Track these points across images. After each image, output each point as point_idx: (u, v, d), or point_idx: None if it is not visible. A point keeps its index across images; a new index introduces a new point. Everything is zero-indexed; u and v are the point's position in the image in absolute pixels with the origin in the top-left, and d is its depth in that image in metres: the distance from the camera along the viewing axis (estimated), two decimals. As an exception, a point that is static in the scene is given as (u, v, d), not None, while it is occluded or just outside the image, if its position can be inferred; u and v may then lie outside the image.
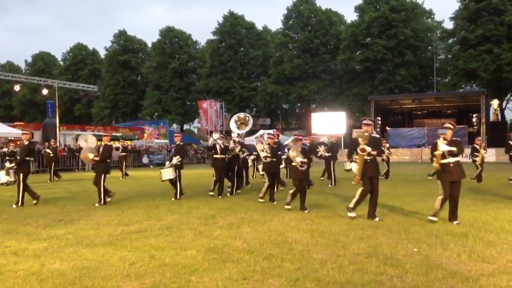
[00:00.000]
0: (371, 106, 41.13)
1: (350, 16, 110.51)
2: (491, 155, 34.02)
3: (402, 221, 7.85)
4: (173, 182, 11.76)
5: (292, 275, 4.78)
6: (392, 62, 48.45)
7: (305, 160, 9.32)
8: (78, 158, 27.43)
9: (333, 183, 15.36)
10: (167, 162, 12.18)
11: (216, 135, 12.61)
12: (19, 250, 6.09)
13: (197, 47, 66.50)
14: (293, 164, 9.37)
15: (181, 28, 64.41)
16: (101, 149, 11.24)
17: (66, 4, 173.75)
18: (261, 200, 10.88)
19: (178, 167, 11.70)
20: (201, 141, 46.03)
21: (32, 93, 63.72)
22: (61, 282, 4.69)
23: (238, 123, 14.01)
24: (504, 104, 48.53)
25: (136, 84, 67.84)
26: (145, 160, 33.80)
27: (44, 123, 37.81)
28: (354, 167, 8.12)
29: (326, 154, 15.96)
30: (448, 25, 50.28)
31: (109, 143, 11.64)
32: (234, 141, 13.41)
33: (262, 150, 11.20)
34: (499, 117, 46.64)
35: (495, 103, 44.05)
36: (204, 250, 5.90)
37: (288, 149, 9.60)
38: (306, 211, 9.11)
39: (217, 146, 12.19)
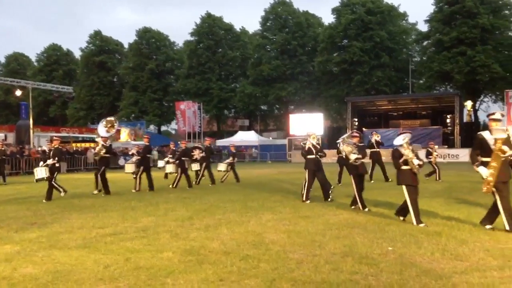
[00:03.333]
0: (348, 107, 41.55)
1: (327, 18, 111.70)
2: (464, 155, 34.68)
3: (377, 221, 7.94)
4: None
5: (268, 276, 4.78)
6: (368, 64, 49.05)
7: (360, 156, 9.44)
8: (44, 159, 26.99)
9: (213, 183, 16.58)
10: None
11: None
12: (-11, 255, 5.94)
13: (175, 48, 66.13)
14: (351, 161, 9.50)
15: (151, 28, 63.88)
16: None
17: (32, 5, 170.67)
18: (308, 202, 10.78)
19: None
20: (179, 142, 45.70)
21: (6, 94, 62.41)
22: (33, 286, 4.60)
23: (107, 126, 14.42)
24: (477, 105, 49.61)
25: (112, 85, 67.05)
26: (121, 162, 33.35)
27: (17, 125, 37.09)
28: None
29: (200, 156, 17.07)
30: (423, 27, 51.25)
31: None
32: (103, 145, 13.77)
33: (352, 152, 9.78)
34: (473, 118, 47.66)
35: (468, 104, 45.00)
36: (180, 252, 5.86)
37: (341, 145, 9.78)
38: (366, 209, 9.17)
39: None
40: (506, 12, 46.29)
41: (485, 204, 9.86)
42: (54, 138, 13.42)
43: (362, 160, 9.71)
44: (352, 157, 9.56)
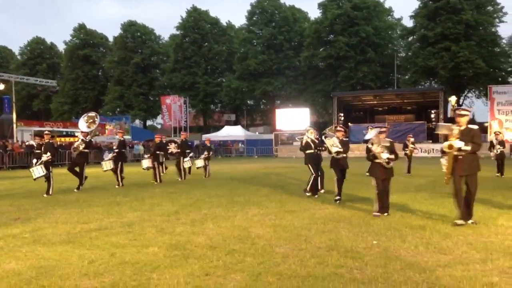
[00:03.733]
0: (334, 102, 41.73)
1: (314, 13, 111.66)
2: (448, 150, 35.11)
3: (362, 215, 8.01)
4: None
5: (254, 270, 4.79)
6: (354, 59, 49.28)
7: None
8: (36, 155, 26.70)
9: (182, 178, 16.56)
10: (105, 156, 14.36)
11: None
12: (-29, 251, 5.85)
13: (160, 41, 65.64)
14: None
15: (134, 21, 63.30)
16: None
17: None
18: (308, 194, 10.74)
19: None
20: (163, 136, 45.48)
21: (-12, 88, 61.30)
22: (17, 282, 4.54)
23: (88, 121, 14.43)
24: (461, 100, 50.17)
25: (97, 79, 66.36)
26: (106, 156, 33.08)
27: (0, 119, 36.49)
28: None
29: (175, 151, 17.10)
30: (408, 23, 51.61)
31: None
32: (83, 140, 13.71)
33: (333, 145, 9.84)
34: (456, 113, 48.18)
35: (452, 99, 45.17)
36: (166, 247, 5.84)
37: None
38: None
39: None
40: (490, 8, 46.86)
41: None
42: (46, 132, 13.27)
43: (344, 155, 9.77)
44: (333, 150, 9.56)
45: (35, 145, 13.56)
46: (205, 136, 29.95)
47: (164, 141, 17.32)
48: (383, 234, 6.42)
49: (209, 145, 19.19)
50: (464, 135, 7.01)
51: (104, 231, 6.95)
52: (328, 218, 7.80)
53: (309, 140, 10.87)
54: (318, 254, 5.36)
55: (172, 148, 17.25)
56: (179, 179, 16.46)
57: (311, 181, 10.77)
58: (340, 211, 8.50)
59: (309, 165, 10.87)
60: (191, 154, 17.58)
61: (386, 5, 54.51)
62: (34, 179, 12.39)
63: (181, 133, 20.15)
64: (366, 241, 6.00)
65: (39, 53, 69.99)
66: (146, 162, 16.20)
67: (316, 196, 10.64)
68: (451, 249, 5.54)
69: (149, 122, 68.49)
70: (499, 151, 16.29)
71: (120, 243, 6.10)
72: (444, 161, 7.34)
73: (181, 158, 16.80)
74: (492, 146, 16.82)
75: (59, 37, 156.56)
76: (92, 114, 15.03)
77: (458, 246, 5.65)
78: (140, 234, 6.68)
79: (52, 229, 7.20)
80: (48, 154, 12.24)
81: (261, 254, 5.41)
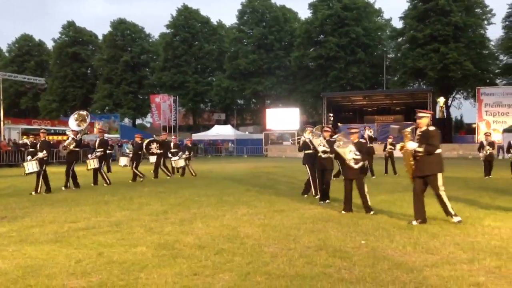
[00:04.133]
0: (324, 102, 41.86)
1: (304, 13, 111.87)
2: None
3: (351, 215, 8.04)
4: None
5: (243, 269, 4.78)
6: (344, 60, 49.46)
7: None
8: (23, 153, 26.44)
9: (155, 177, 16.73)
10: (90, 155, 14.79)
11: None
12: (-44, 250, 5.78)
13: (150, 40, 65.34)
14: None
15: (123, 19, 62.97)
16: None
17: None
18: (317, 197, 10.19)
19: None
20: (153, 135, 45.31)
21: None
22: (3, 281, 4.48)
23: (79, 120, 14.40)
24: (449, 101, 50.64)
25: (86, 77, 65.87)
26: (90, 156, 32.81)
27: (-13, 117, 36.01)
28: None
29: (158, 151, 16.94)
30: (398, 24, 51.95)
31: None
32: (73, 138, 13.66)
33: (320, 145, 9.72)
34: (445, 114, 48.60)
35: (441, 100, 45.87)
36: (154, 246, 5.81)
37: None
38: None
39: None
40: (478, 10, 47.35)
41: (455, 198, 10.10)
42: (41, 131, 13.39)
43: (330, 155, 9.66)
44: (320, 149, 9.50)
45: (28, 143, 13.57)
46: (192, 136, 29.87)
47: (146, 142, 17.32)
48: (372, 234, 6.45)
49: (190, 145, 19.03)
50: (423, 137, 7.16)
51: (91, 230, 6.90)
52: (317, 217, 7.83)
53: (307, 140, 10.69)
54: (307, 254, 5.37)
55: (154, 148, 17.15)
56: (168, 177, 16.58)
57: (312, 184, 10.52)
58: (329, 211, 8.53)
59: (307, 165, 10.68)
60: (180, 154, 17.68)
61: (376, 6, 54.90)
62: (26, 174, 12.40)
63: (163, 133, 20.03)
64: (354, 241, 6.02)
65: (27, 50, 69.34)
66: (124, 160, 16.36)
67: (328, 201, 9.64)
68: (438, 249, 5.58)
69: (138, 121, 68.19)
70: (488, 152, 16.15)
71: (108, 243, 6.06)
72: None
73: (162, 158, 16.95)
74: (481, 147, 16.80)
75: (48, 34, 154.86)
76: (83, 112, 14.95)
77: (445, 246, 5.69)
78: (128, 234, 6.64)
79: (39, 228, 7.12)
80: (44, 152, 12.29)
81: (250, 254, 5.41)
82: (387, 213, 8.13)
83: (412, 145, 7.12)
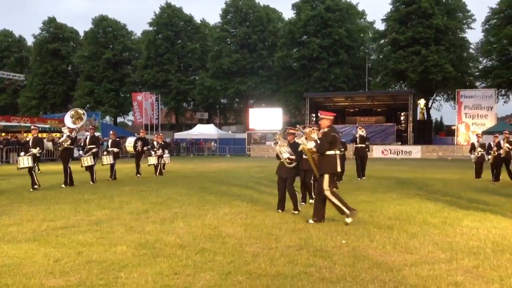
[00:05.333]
0: (307, 103, 42.01)
1: (288, 13, 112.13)
2: (416, 151, 35.92)
3: (332, 215, 8.07)
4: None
5: (224, 269, 4.77)
6: (327, 61, 49.69)
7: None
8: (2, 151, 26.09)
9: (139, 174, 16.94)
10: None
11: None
12: None
13: (132, 37, 64.72)
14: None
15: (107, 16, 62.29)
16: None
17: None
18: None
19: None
20: (135, 134, 44.93)
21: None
22: (-22, 281, 4.40)
23: (75, 117, 14.40)
24: (430, 103, 51.33)
25: (67, 74, 64.93)
26: (75, 153, 32.41)
27: (-36, 113, 35.28)
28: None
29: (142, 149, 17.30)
30: (380, 26, 52.43)
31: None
32: (69, 136, 13.75)
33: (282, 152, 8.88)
34: (425, 116, 49.28)
35: (422, 102, 46.51)
36: (134, 246, 5.76)
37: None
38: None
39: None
40: (459, 14, 48.06)
41: (435, 199, 10.26)
42: (33, 127, 13.48)
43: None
44: (284, 156, 8.50)
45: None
46: (174, 135, 29.64)
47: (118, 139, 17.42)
48: (352, 233, 6.50)
49: (161, 142, 18.58)
50: (322, 138, 7.56)
51: (71, 229, 6.81)
52: (299, 217, 7.86)
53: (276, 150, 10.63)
54: (288, 253, 5.39)
55: (139, 146, 17.17)
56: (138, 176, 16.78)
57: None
58: (311, 211, 8.53)
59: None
60: (156, 153, 17.63)
61: (359, 8, 55.27)
62: (18, 168, 12.60)
63: (141, 130, 19.84)
64: (335, 241, 6.06)
65: (6, 46, 68.01)
66: (108, 159, 16.30)
67: (311, 201, 9.50)
68: (417, 249, 5.66)
69: (120, 119, 67.46)
70: (479, 153, 15.89)
71: (87, 242, 5.99)
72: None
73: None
74: (473, 148, 16.44)
75: (28, 30, 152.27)
76: (80, 111, 15.00)
77: (425, 246, 5.77)
78: (108, 233, 6.57)
79: (17, 227, 7.00)
80: (38, 148, 12.48)
81: (231, 253, 5.40)
82: (368, 213, 8.20)
83: (310, 145, 7.58)
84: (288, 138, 9.23)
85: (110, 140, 16.18)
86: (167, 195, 11.03)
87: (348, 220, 7.23)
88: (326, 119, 7.64)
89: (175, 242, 5.98)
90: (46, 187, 12.80)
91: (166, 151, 18.61)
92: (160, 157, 17.82)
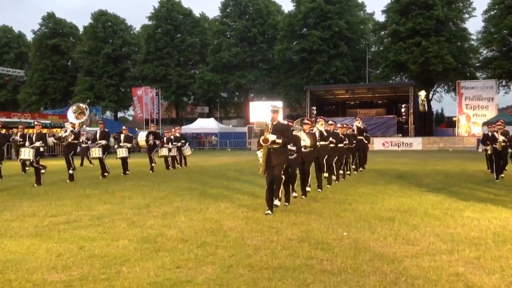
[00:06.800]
0: (307, 96, 41.98)
1: (287, 6, 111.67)
2: (417, 143, 35.92)
3: (333, 207, 8.10)
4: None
5: (225, 262, 4.79)
6: (327, 53, 49.58)
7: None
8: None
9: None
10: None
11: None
12: None
13: (132, 32, 64.57)
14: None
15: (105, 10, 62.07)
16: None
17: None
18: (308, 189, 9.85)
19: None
20: (136, 129, 44.94)
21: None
22: (-19, 277, 4.41)
23: (77, 112, 14.42)
24: (430, 95, 51.23)
25: (67, 70, 64.87)
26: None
27: (-36, 110, 35.29)
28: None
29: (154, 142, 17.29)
30: (380, 18, 52.26)
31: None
32: (72, 131, 13.86)
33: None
34: (426, 107, 49.22)
35: (422, 94, 46.42)
36: (136, 240, 5.77)
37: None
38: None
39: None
40: (460, 4, 47.87)
41: (436, 190, 10.26)
42: (36, 123, 13.73)
43: (311, 148, 9.46)
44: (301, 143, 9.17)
45: (19, 140, 14.48)
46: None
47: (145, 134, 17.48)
48: (353, 225, 6.51)
49: (178, 135, 18.55)
50: (277, 130, 7.65)
51: (72, 224, 6.83)
52: (300, 210, 7.86)
53: (317, 133, 10.33)
54: (289, 246, 5.40)
55: (151, 140, 17.22)
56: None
57: (316, 177, 10.37)
58: (312, 203, 8.58)
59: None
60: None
61: (359, 0, 54.99)
62: (20, 159, 13.16)
63: (151, 125, 19.85)
64: (336, 233, 6.07)
65: (6, 42, 68.01)
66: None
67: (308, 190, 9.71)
68: (418, 240, 5.66)
69: (120, 114, 67.49)
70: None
71: (89, 236, 6.00)
72: (260, 153, 8.01)
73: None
74: (487, 139, 14.68)
75: (27, 26, 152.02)
76: (82, 105, 15.04)
77: (426, 238, 5.78)
78: (110, 227, 6.58)
79: (19, 222, 7.02)
80: (41, 142, 12.63)
81: (233, 247, 5.41)
82: (369, 205, 8.21)
83: (272, 137, 7.57)
84: (303, 128, 9.52)
85: (122, 135, 16.11)
86: (169, 190, 11.04)
87: (278, 202, 7.86)
88: (278, 111, 7.98)
89: (176, 236, 5.99)
90: (47, 183, 12.81)
91: (187, 144, 18.79)
92: (179, 149, 18.04)
